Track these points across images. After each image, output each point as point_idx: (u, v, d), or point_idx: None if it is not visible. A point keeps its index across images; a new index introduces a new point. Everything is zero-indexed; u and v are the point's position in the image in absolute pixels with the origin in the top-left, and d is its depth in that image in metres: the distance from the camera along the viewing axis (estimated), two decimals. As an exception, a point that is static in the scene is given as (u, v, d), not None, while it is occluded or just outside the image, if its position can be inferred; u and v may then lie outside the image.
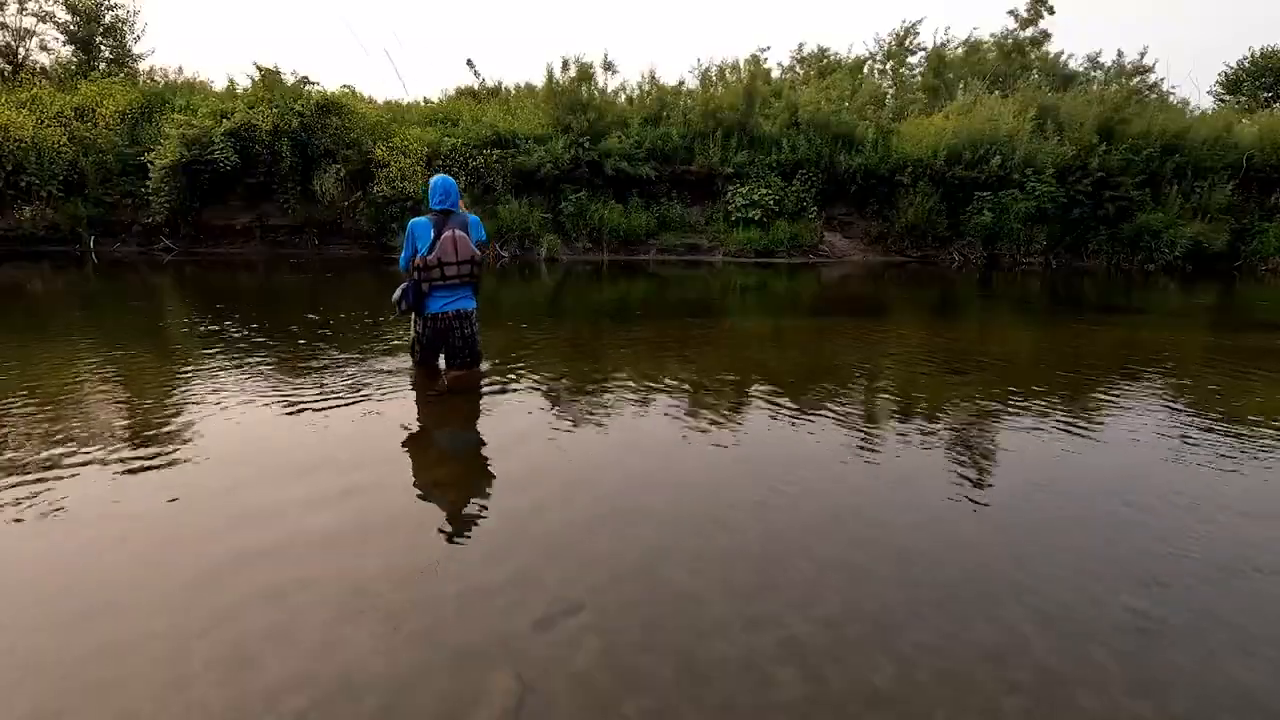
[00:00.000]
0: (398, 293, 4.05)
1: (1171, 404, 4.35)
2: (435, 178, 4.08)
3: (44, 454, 3.07)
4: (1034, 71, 19.99)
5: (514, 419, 3.72)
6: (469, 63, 25.72)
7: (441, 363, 4.41)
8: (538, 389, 4.30)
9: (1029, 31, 20.37)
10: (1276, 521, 2.69)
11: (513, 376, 4.56)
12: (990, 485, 2.98)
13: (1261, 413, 4.18)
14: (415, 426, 3.58)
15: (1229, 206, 15.08)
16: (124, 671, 1.71)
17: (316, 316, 6.85)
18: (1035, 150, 14.86)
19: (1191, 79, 47.80)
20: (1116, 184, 14.85)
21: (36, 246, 13.53)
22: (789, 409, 4.02)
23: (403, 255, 4.13)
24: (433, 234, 3.98)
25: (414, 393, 4.16)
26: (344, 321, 6.65)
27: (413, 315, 4.23)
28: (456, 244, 3.99)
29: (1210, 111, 18.55)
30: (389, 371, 4.61)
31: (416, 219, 4.04)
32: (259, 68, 14.75)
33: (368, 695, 1.63)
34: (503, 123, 15.37)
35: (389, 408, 3.85)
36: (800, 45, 25.95)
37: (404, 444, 3.33)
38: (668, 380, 4.59)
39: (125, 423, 3.55)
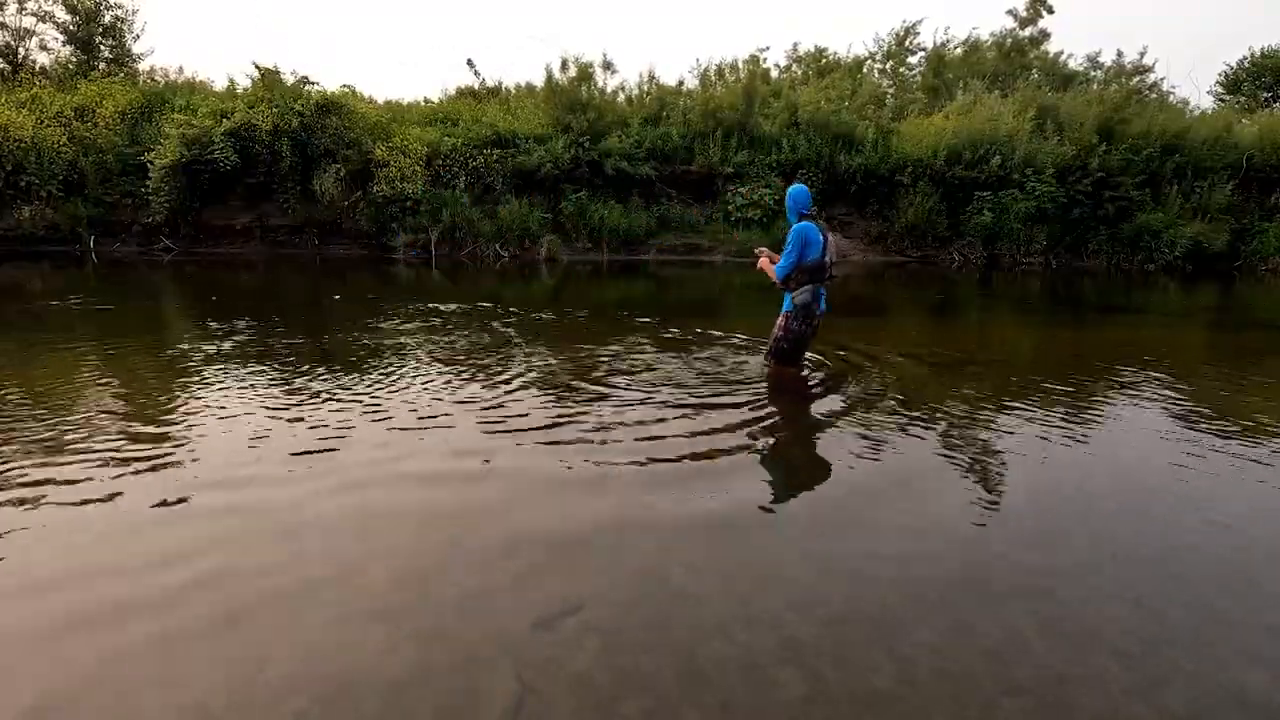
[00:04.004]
0: (807, 295, 4.24)
1: (1171, 404, 4.35)
2: (801, 186, 4.31)
3: (43, 454, 3.07)
4: (1034, 71, 19.98)
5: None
6: (469, 62, 25.67)
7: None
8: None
9: (1028, 31, 20.37)
10: (1275, 520, 2.70)
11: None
12: (990, 485, 2.98)
13: (1261, 413, 4.18)
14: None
15: (1229, 206, 15.06)
16: (125, 671, 1.71)
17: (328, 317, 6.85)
18: (1035, 150, 14.84)
19: (1191, 79, 47.75)
20: (1116, 184, 14.83)
21: (36, 246, 13.51)
22: (786, 408, 4.02)
23: (788, 260, 4.20)
24: (821, 237, 4.20)
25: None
26: (348, 322, 6.66)
27: (795, 316, 4.35)
28: (836, 247, 4.27)
29: (1210, 111, 18.53)
30: (388, 371, 4.62)
31: (804, 224, 4.18)
32: (259, 67, 14.73)
33: (368, 695, 1.63)
34: (503, 122, 15.35)
35: (380, 409, 3.86)
36: (795, 45, 25.96)
37: (407, 445, 3.33)
38: (668, 379, 4.59)
39: (128, 423, 3.54)
